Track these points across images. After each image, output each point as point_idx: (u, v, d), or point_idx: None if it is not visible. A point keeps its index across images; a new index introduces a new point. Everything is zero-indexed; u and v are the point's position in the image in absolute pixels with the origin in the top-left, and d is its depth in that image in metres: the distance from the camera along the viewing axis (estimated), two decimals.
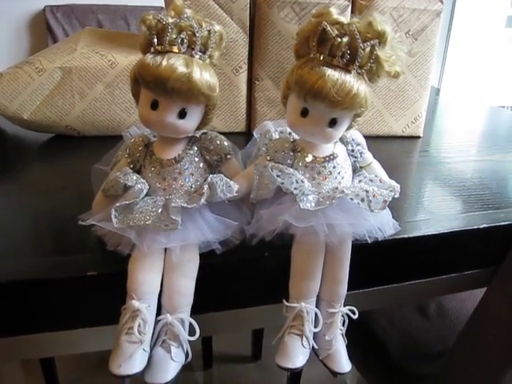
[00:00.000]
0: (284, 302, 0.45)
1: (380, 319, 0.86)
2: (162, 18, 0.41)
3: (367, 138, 0.51)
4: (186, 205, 0.42)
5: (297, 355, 0.42)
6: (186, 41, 0.42)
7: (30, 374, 1.27)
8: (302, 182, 0.44)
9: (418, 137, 0.86)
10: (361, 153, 0.50)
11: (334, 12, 0.42)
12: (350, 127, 0.47)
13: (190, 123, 0.45)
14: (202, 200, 0.42)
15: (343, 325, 0.46)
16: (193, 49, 0.42)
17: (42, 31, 1.80)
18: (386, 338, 0.83)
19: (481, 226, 0.53)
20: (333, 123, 0.43)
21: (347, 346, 0.46)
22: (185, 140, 0.47)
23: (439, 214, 0.56)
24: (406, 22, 0.76)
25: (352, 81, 0.41)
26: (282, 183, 0.44)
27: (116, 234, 0.43)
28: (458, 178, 0.68)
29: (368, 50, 0.41)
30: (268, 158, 0.47)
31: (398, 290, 0.54)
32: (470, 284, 0.61)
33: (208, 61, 0.44)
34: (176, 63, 0.41)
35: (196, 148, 0.47)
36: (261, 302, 0.49)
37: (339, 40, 0.41)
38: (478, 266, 0.57)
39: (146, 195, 0.45)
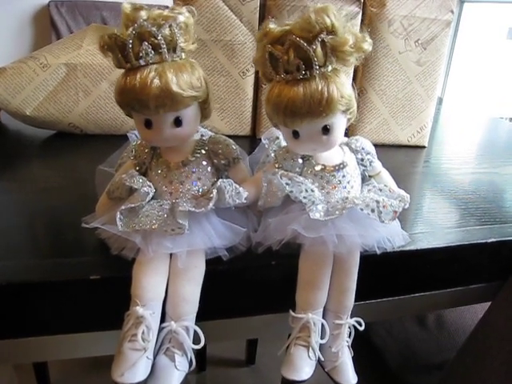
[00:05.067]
0: (291, 312, 0.44)
1: (379, 329, 0.86)
2: (116, 35, 0.39)
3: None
4: (193, 209, 0.42)
5: (303, 367, 0.41)
6: (150, 50, 0.39)
7: (21, 371, 1.25)
8: (312, 190, 0.44)
9: (423, 146, 0.85)
10: (370, 162, 0.49)
11: (272, 25, 0.40)
12: (349, 123, 0.45)
13: (189, 127, 0.44)
14: (211, 204, 0.42)
15: (349, 336, 0.45)
16: (160, 53, 0.40)
17: (46, 26, 1.79)
18: (384, 349, 0.82)
19: (488, 241, 0.53)
20: (326, 130, 0.42)
21: None
22: (192, 143, 0.47)
23: (445, 226, 0.56)
24: (416, 31, 0.76)
25: (319, 86, 0.39)
26: (291, 191, 0.44)
27: (120, 237, 0.42)
28: (463, 190, 0.67)
29: (318, 48, 0.39)
30: (276, 165, 0.47)
31: (403, 302, 0.54)
32: (475, 298, 0.60)
33: (183, 55, 0.41)
34: (148, 78, 0.38)
35: (204, 151, 0.46)
36: (267, 311, 0.48)
37: (286, 57, 0.39)
38: (483, 280, 0.57)
39: (152, 199, 0.44)
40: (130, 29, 0.38)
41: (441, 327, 0.88)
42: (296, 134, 0.43)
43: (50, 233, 0.51)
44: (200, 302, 0.43)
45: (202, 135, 0.50)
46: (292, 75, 0.40)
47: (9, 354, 0.46)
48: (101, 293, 0.43)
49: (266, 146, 0.53)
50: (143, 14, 0.39)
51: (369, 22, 0.75)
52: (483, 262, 0.55)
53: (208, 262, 0.43)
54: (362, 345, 0.85)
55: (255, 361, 1.39)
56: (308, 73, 0.39)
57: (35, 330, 0.44)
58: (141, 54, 0.39)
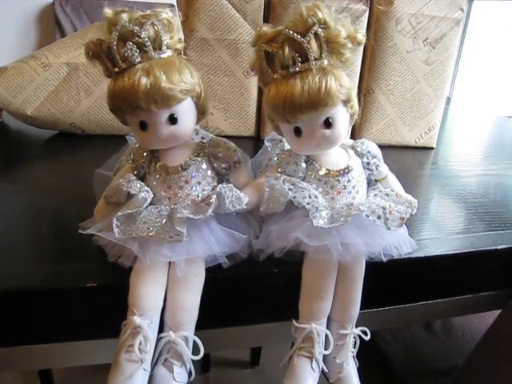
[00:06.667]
0: (293, 322, 0.43)
1: (384, 334, 0.84)
2: (100, 40, 0.39)
3: (379, 147, 0.49)
4: (192, 215, 0.40)
5: (306, 379, 0.40)
6: (135, 49, 0.39)
7: (25, 372, 1.25)
8: (316, 197, 0.42)
9: (431, 148, 0.83)
10: (377, 166, 0.48)
11: (266, 28, 0.41)
12: (353, 122, 0.44)
13: (186, 124, 0.42)
14: (210, 211, 0.40)
15: (354, 346, 0.44)
16: (146, 52, 0.39)
17: (51, 25, 1.79)
18: (390, 353, 0.81)
19: (498, 247, 0.51)
20: (328, 124, 0.41)
21: None
22: (192, 146, 0.45)
23: (453, 231, 0.54)
24: (425, 30, 0.74)
25: (317, 77, 0.39)
26: (294, 197, 0.42)
27: (118, 244, 0.41)
28: (472, 193, 0.65)
29: (313, 40, 0.39)
30: (279, 169, 0.45)
31: (410, 310, 0.52)
32: (484, 306, 0.59)
33: (170, 52, 0.41)
34: (135, 77, 0.38)
35: (203, 155, 0.45)
36: (268, 320, 0.47)
37: (281, 52, 0.39)
38: (493, 288, 0.55)
39: (150, 204, 0.43)
40: (114, 32, 0.38)
41: (448, 332, 0.86)
42: (298, 132, 0.42)
43: (48, 237, 0.50)
44: (200, 311, 0.41)
45: (202, 137, 0.49)
46: (289, 69, 0.40)
47: (9, 362, 0.45)
48: (98, 301, 0.42)
49: (269, 149, 0.52)
50: (125, 16, 0.39)
51: (376, 21, 0.73)
52: (493, 269, 0.54)
53: (208, 270, 0.42)
54: (367, 350, 0.83)
55: (259, 362, 1.38)
56: (304, 66, 0.39)
57: (33, 338, 0.43)
58: (126, 55, 0.39)
